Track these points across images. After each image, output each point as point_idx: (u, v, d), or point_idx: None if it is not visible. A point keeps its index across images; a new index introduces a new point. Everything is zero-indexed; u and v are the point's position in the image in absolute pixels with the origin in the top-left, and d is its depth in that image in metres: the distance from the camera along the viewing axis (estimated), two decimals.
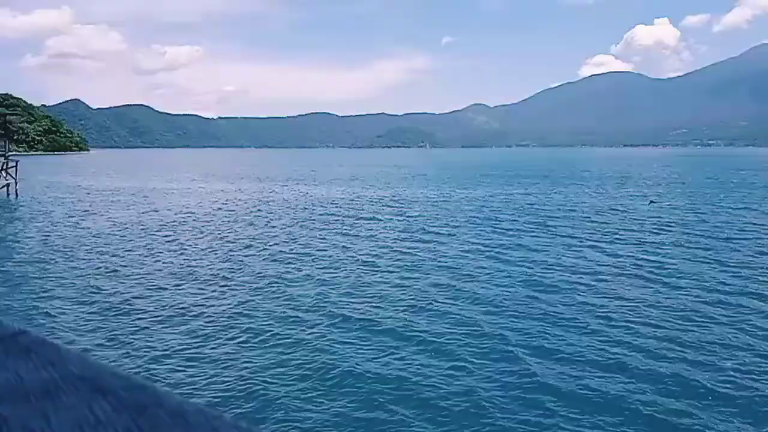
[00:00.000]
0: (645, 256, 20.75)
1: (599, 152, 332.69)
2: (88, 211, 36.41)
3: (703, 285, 16.40)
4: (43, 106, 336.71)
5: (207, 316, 13.59)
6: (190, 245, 23.76)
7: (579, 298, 15.12)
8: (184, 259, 20.74)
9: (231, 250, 22.46)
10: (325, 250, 22.14)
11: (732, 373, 10.17)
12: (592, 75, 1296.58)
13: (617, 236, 25.25)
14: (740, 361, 10.71)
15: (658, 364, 10.60)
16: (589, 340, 11.87)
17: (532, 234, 26.12)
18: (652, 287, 16.28)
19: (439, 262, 19.99)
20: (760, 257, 20.52)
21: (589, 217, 31.80)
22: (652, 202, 40.42)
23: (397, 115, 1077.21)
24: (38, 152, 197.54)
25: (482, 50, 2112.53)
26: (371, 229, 27.78)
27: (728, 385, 9.67)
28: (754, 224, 28.48)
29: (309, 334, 12.32)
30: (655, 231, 26.73)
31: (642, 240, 24.31)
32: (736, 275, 17.65)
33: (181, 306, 14.58)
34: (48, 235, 26.11)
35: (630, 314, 13.64)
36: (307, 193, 49.88)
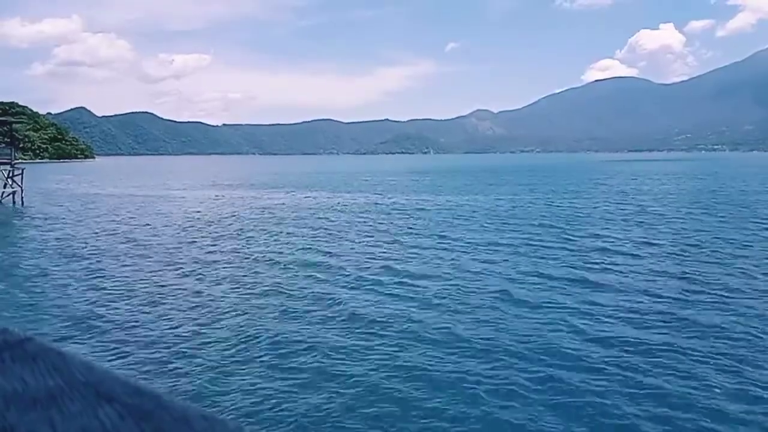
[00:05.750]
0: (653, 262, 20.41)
1: (602, 158, 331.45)
2: (93, 218, 36.32)
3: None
4: (49, 114, 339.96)
5: (216, 323, 13.42)
6: (199, 251, 23.55)
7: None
8: (192, 264, 20.50)
9: (239, 256, 22.25)
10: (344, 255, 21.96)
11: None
12: (596, 80, 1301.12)
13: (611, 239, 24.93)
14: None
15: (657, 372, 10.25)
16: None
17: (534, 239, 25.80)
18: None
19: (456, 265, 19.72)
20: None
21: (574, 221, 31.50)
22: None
23: (401, 122, 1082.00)
24: (44, 160, 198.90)
25: (486, 56, 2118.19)
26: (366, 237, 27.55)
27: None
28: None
29: (320, 340, 12.04)
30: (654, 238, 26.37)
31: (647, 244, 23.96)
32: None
33: (188, 312, 14.35)
34: (54, 242, 26.00)
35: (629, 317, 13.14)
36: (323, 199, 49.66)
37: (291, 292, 16.35)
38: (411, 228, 29.84)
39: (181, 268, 20.17)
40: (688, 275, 17.98)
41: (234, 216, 36.82)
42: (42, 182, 74.17)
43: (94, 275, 18.96)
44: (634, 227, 29.12)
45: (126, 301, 15.53)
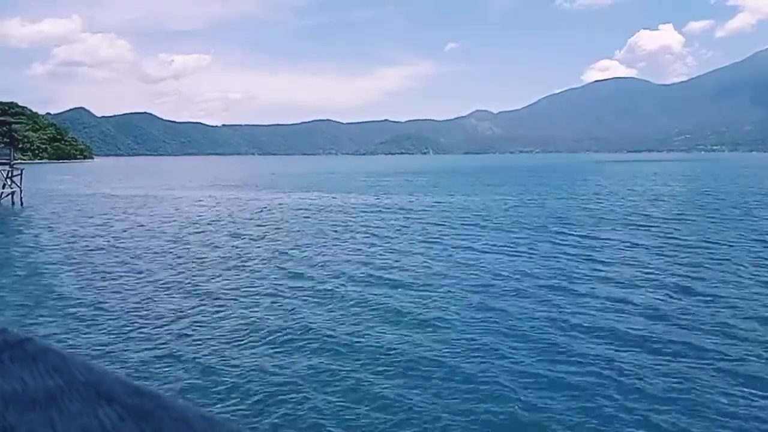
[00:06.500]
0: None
1: (602, 158, 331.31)
2: (91, 218, 36.44)
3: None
4: (48, 114, 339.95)
5: (213, 323, 13.53)
6: (197, 252, 23.66)
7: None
8: (189, 265, 20.64)
9: (238, 257, 22.38)
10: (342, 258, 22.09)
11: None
12: (595, 81, 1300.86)
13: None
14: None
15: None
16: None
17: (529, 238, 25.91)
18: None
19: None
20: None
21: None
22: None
23: (400, 122, 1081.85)
24: (43, 160, 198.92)
25: (486, 56, 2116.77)
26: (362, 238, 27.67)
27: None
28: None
29: (318, 343, 12.18)
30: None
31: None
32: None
33: (187, 312, 14.48)
34: (53, 243, 26.11)
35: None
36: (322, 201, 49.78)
37: (277, 293, 16.50)
38: (404, 229, 29.99)
39: (176, 268, 20.30)
40: (682, 277, 18.11)
41: (230, 217, 36.97)
42: (41, 182, 74.20)
43: (92, 275, 19.07)
44: (630, 229, 29.25)
45: (122, 301, 15.65)
